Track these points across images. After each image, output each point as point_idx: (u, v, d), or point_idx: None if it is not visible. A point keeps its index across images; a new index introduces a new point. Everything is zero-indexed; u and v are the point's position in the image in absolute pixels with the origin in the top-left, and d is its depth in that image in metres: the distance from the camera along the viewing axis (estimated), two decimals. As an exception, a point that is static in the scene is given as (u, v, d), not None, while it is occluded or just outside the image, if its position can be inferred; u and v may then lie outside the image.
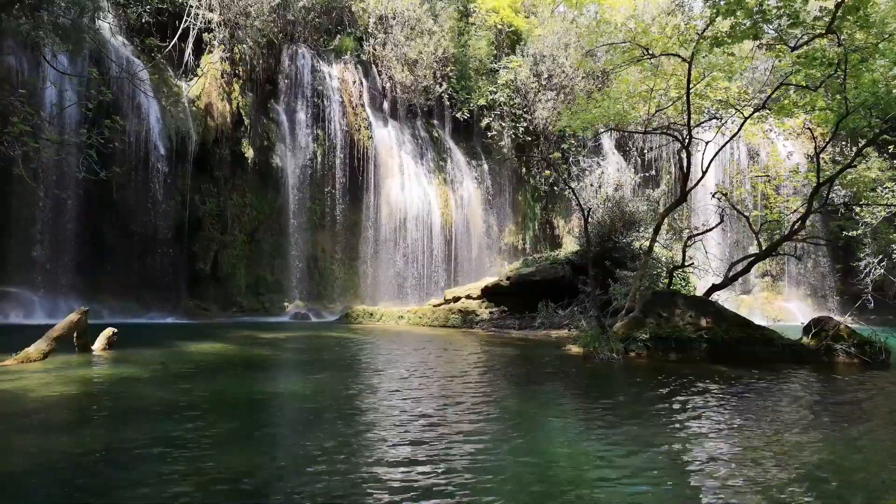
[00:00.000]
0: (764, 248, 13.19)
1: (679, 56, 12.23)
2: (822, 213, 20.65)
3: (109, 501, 3.36)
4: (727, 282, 12.55)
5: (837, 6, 9.91)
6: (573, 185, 18.82)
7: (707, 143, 13.43)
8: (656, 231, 13.21)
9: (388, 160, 23.82)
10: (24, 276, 16.18)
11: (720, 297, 13.46)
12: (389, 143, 24.13)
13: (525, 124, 26.47)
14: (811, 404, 6.60)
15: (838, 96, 10.97)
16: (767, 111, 12.62)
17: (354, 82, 23.58)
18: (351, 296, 22.46)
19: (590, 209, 14.50)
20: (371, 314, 18.60)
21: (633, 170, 26.59)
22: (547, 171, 26.84)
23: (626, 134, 25.51)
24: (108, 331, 9.46)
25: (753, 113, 12.58)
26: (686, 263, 13.52)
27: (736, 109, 13.26)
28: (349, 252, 23.04)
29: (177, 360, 8.84)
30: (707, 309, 10.82)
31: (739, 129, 13.33)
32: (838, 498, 3.69)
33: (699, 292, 13.78)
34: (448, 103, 26.00)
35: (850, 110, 10.75)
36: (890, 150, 19.61)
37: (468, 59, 26.44)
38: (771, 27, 10.79)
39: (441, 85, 25.07)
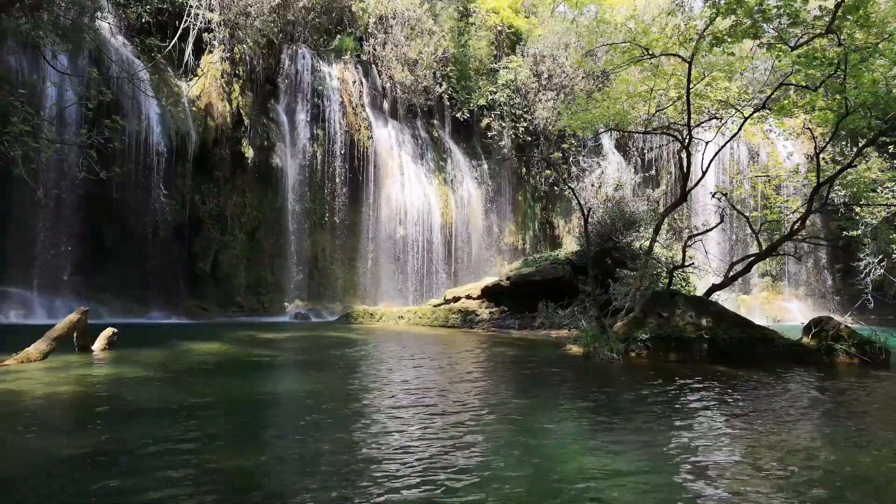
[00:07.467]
0: (764, 248, 13.19)
1: (679, 56, 12.22)
2: (822, 213, 20.68)
3: (109, 502, 3.36)
4: (727, 282, 12.55)
5: (837, 6, 9.91)
6: (573, 185, 18.82)
7: (707, 143, 13.42)
8: (656, 231, 13.21)
9: (388, 160, 23.80)
10: (24, 276, 16.16)
11: (720, 297, 13.44)
12: (389, 143, 24.11)
13: (525, 124, 26.44)
14: (811, 404, 6.61)
15: (838, 96, 10.96)
16: (767, 111, 12.61)
17: (354, 82, 23.56)
18: (351, 296, 22.44)
19: (590, 209, 14.49)
20: (371, 314, 18.59)
21: (633, 170, 26.58)
22: (547, 171, 26.81)
23: (626, 134, 25.48)
24: (108, 331, 9.46)
25: (753, 113, 12.57)
26: (686, 263, 13.51)
27: (736, 109, 13.25)
28: (349, 252, 23.02)
29: (177, 361, 8.84)
30: (707, 309, 10.82)
31: (739, 129, 13.32)
32: (840, 498, 3.69)
33: (699, 292, 13.77)
34: (448, 103, 25.97)
35: (850, 110, 10.74)
36: (890, 150, 19.59)
37: (468, 60, 26.41)
38: (771, 26, 10.79)
39: (441, 85, 25.05)
